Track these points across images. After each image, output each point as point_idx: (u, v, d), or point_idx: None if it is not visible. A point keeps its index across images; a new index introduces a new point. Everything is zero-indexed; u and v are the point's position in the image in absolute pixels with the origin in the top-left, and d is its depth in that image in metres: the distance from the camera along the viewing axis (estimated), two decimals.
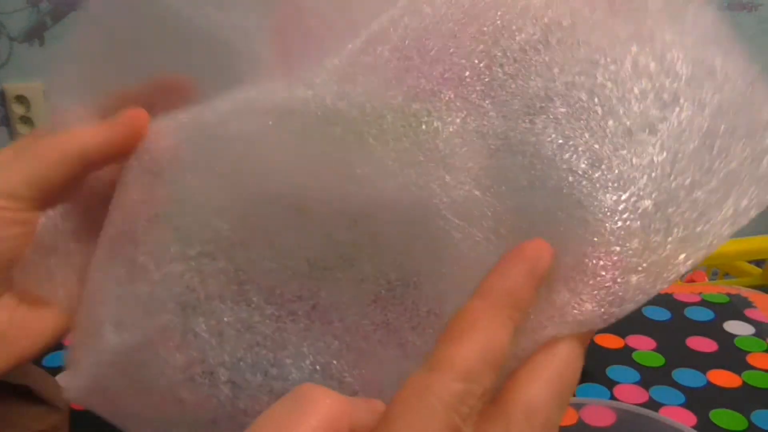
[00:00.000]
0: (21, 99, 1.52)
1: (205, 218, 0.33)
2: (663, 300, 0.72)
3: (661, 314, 0.70)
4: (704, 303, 0.72)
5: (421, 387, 0.25)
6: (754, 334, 0.66)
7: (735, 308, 0.71)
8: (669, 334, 0.66)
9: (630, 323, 0.68)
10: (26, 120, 1.51)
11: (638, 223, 0.28)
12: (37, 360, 0.52)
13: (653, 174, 0.29)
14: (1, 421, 0.42)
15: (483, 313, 0.26)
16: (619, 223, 0.28)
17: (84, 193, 0.38)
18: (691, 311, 0.70)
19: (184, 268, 0.33)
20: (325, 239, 0.31)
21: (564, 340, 0.27)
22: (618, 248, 0.28)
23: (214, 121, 0.33)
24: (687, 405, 0.56)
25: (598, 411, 0.48)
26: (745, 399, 0.57)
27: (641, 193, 0.28)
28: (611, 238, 0.28)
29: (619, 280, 0.27)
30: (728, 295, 0.74)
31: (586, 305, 0.27)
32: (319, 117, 0.31)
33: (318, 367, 0.32)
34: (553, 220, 0.28)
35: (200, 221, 0.33)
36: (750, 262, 1.49)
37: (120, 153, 0.36)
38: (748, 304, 0.72)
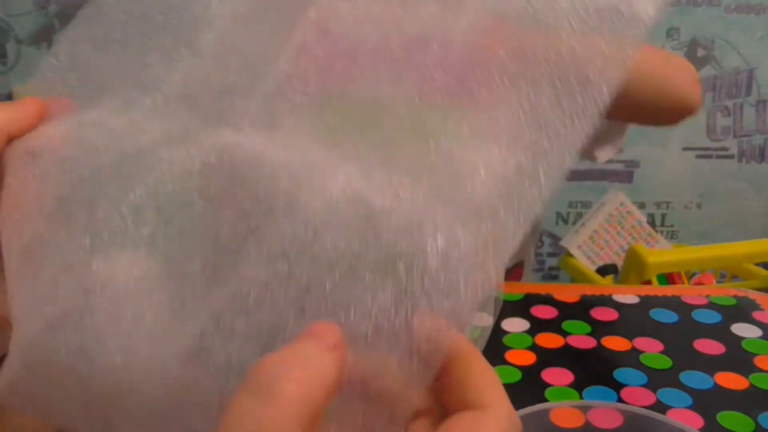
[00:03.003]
0: None
1: (115, 208, 0.33)
2: (670, 302, 0.72)
3: (668, 317, 0.70)
4: (711, 305, 0.72)
5: None
6: (761, 337, 0.66)
7: (742, 311, 0.71)
8: (676, 337, 0.66)
9: (637, 326, 0.68)
10: None
11: None
12: None
13: None
14: (5, 422, 0.42)
15: None
16: None
17: None
18: (698, 314, 0.70)
19: (91, 257, 0.33)
20: (235, 221, 0.32)
21: None
22: None
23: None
24: (694, 407, 0.56)
25: (606, 413, 0.48)
26: (752, 401, 0.57)
27: None
28: None
29: None
30: (735, 297, 0.74)
31: None
32: None
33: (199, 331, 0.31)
34: None
35: (109, 211, 0.34)
36: (757, 264, 1.49)
37: (31, 126, 0.38)
38: (756, 307, 0.72)
